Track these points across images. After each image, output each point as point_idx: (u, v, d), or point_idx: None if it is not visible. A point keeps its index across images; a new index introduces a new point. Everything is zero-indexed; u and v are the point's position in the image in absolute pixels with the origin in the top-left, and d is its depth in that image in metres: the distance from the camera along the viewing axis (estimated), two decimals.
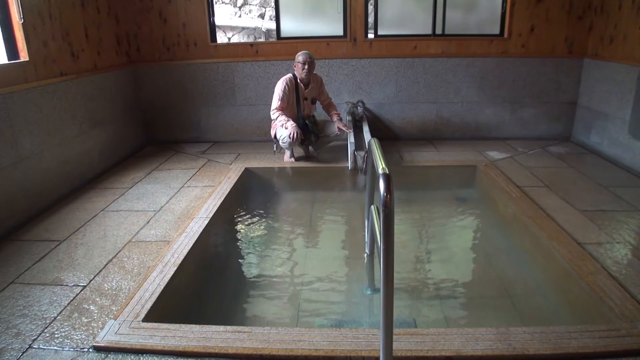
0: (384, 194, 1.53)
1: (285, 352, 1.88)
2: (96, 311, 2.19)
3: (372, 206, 2.42)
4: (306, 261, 3.10)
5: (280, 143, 4.32)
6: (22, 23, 3.33)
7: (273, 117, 4.24)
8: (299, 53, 4.24)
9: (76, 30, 4.05)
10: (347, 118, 4.84)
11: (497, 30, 5.00)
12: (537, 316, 2.47)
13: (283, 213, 3.97)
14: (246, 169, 4.28)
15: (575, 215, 3.15)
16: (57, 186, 3.65)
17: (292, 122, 4.13)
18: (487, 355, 1.84)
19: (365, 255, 2.94)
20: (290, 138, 4.10)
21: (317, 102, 4.55)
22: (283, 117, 4.15)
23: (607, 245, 2.74)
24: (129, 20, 4.95)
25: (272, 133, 4.44)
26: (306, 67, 4.18)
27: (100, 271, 2.56)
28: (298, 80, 4.28)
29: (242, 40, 12.16)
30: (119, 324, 2.07)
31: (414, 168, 4.35)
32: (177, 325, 2.05)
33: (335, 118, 4.45)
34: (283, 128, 4.17)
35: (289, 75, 4.28)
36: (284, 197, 4.38)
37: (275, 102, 4.22)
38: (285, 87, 4.20)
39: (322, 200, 4.22)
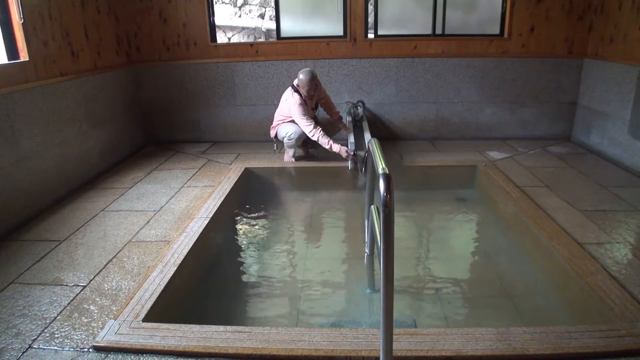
0: (384, 194, 1.53)
1: (285, 352, 1.88)
2: (96, 311, 2.19)
3: (372, 206, 2.42)
4: (306, 261, 3.10)
5: (286, 140, 4.28)
6: (22, 23, 3.33)
7: (313, 136, 4.09)
8: (303, 74, 4.10)
9: (76, 30, 4.05)
10: (347, 118, 4.84)
11: (497, 30, 5.00)
12: (537, 316, 2.47)
13: (283, 213, 3.98)
14: (246, 169, 4.28)
15: (575, 215, 3.15)
16: (57, 186, 3.65)
17: (339, 145, 4.10)
18: (487, 355, 1.85)
19: (365, 255, 2.94)
20: (353, 164, 4.11)
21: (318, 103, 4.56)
22: (327, 138, 4.09)
23: (607, 245, 2.74)
24: (129, 20, 4.95)
25: (272, 133, 4.44)
26: (311, 92, 4.14)
27: (100, 271, 2.56)
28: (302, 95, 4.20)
29: (242, 40, 12.16)
30: (119, 324, 2.07)
31: (414, 168, 4.35)
32: (177, 325, 2.05)
33: (335, 117, 4.47)
34: (326, 143, 4.09)
35: (297, 94, 4.15)
36: (284, 197, 4.38)
37: (306, 120, 4.09)
38: (302, 108, 4.10)
39: (322, 200, 4.23)
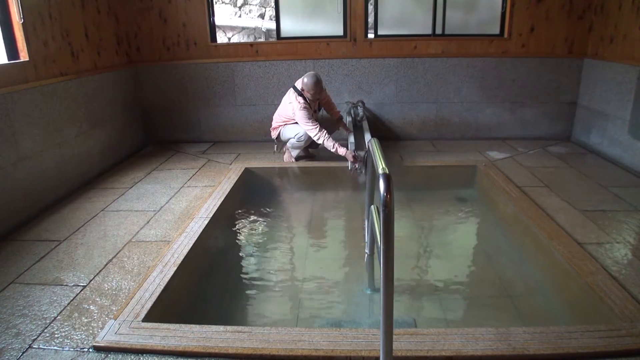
0: (384, 194, 1.53)
1: (285, 352, 1.88)
2: (96, 311, 2.19)
3: (372, 206, 2.42)
4: (306, 261, 3.10)
5: (294, 141, 4.25)
6: (22, 23, 3.33)
7: (319, 139, 4.08)
8: (308, 78, 4.06)
9: (76, 30, 4.05)
10: (348, 118, 4.84)
11: (497, 30, 5.00)
12: (537, 316, 2.47)
13: (283, 213, 3.97)
14: (246, 169, 4.28)
15: (575, 215, 3.15)
16: (57, 186, 3.65)
17: (344, 148, 4.09)
18: (487, 355, 1.84)
19: (365, 255, 2.94)
20: (353, 165, 4.08)
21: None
22: (332, 141, 4.08)
23: (607, 245, 2.74)
24: (129, 20, 4.95)
25: (274, 134, 4.43)
26: (317, 95, 4.14)
27: (100, 271, 2.56)
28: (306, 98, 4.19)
29: (242, 40, 12.16)
30: (119, 324, 2.07)
31: (414, 168, 4.35)
32: (177, 325, 2.05)
33: (336, 117, 4.49)
34: (331, 146, 4.07)
35: (300, 98, 4.12)
36: (284, 197, 4.38)
37: (311, 124, 4.06)
38: (306, 112, 4.09)
39: (322, 200, 4.23)
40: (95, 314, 2.17)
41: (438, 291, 2.71)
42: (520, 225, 3.21)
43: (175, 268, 2.52)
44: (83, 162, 4.05)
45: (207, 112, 5.29)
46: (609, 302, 2.17)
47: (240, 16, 12.51)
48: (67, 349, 1.94)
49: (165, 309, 2.29)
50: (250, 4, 12.45)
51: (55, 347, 1.95)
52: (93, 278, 2.49)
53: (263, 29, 12.39)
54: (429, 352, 1.85)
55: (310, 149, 4.59)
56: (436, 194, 4.21)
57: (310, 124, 4.07)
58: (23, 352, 1.92)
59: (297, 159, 4.48)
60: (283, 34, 5.13)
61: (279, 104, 4.43)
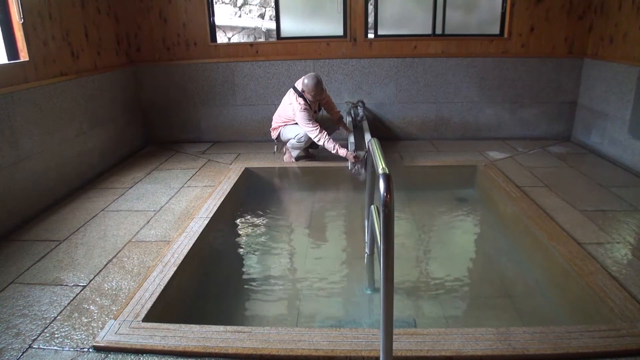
0: (384, 194, 1.53)
1: (285, 352, 1.88)
2: (96, 311, 2.20)
3: (372, 206, 2.42)
4: (306, 261, 3.10)
5: (295, 142, 4.25)
6: (22, 23, 3.33)
7: (319, 141, 4.08)
8: (308, 79, 4.05)
9: (76, 30, 4.05)
10: (347, 118, 4.84)
11: (497, 30, 5.00)
12: (537, 316, 2.47)
13: (283, 213, 3.98)
14: (246, 169, 4.28)
15: (575, 215, 3.15)
16: (57, 186, 3.65)
17: (345, 149, 4.09)
18: (487, 355, 1.85)
19: (365, 255, 2.94)
20: (353, 165, 4.09)
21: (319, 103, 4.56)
22: (333, 143, 4.08)
23: (607, 245, 2.74)
24: (129, 20, 4.95)
25: (274, 134, 4.43)
26: (317, 97, 4.13)
27: (100, 271, 2.56)
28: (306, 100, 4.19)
29: (242, 40, 12.17)
30: (119, 324, 2.07)
31: (414, 168, 4.35)
32: (177, 325, 2.05)
33: (336, 117, 4.49)
34: (332, 148, 4.07)
35: (301, 99, 4.12)
36: (284, 197, 4.38)
37: (312, 125, 4.06)
38: (307, 113, 4.08)
39: (321, 200, 4.23)
40: (95, 314, 2.17)
41: (438, 291, 2.71)
42: (520, 225, 3.21)
43: (175, 268, 2.53)
44: (83, 162, 4.05)
45: (207, 112, 5.29)
46: (609, 302, 2.17)
47: (240, 16, 12.52)
48: (67, 349, 1.94)
49: (165, 309, 2.29)
50: (250, 4, 12.46)
51: (55, 347, 1.95)
52: (93, 278, 2.49)
53: (263, 29, 12.41)
54: (429, 352, 1.85)
55: (310, 149, 4.59)
56: (436, 194, 4.21)
57: (311, 125, 4.07)
58: (23, 352, 1.92)
59: (297, 159, 4.48)
60: (283, 34, 5.13)
61: (278, 104, 4.43)
